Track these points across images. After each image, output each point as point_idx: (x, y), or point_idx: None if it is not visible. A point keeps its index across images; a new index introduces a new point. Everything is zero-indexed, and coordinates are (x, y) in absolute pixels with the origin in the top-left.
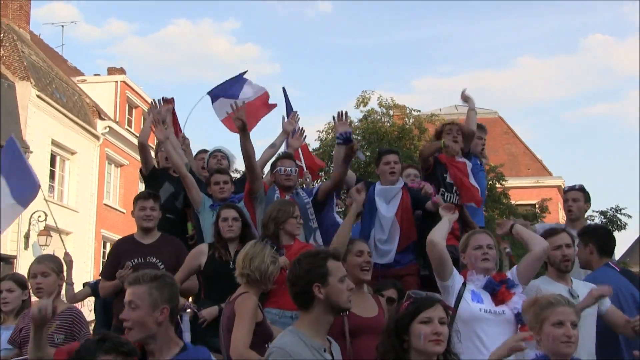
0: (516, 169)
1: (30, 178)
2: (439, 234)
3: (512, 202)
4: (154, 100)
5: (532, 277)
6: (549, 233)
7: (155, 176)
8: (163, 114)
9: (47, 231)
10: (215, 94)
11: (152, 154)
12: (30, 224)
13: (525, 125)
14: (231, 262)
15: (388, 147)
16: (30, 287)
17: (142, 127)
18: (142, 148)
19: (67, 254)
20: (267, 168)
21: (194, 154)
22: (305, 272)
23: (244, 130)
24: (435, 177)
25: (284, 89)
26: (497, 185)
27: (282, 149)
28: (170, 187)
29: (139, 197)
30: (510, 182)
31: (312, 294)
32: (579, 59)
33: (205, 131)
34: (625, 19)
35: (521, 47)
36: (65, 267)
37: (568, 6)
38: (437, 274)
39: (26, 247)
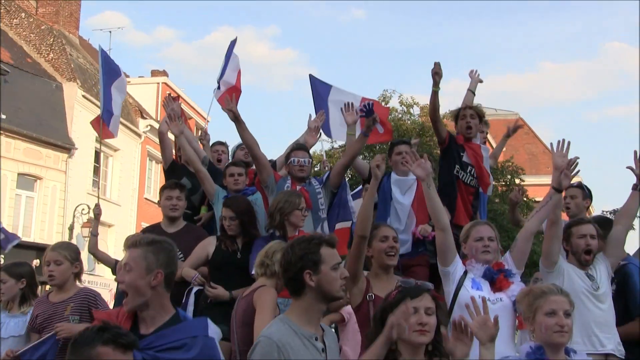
0: (536, 168)
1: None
2: (443, 218)
3: (532, 198)
4: (168, 95)
5: (526, 258)
6: (577, 222)
7: (174, 170)
8: (177, 110)
9: (90, 223)
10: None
11: (173, 148)
12: (74, 216)
13: (546, 125)
14: (238, 253)
15: None
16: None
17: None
18: (162, 138)
19: (97, 206)
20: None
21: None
22: (297, 258)
23: (237, 121)
24: (452, 156)
25: (310, 77)
26: (516, 180)
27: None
28: (188, 183)
29: (165, 187)
30: (531, 180)
31: (304, 281)
32: (597, 63)
33: (229, 125)
34: None
35: (542, 51)
36: (92, 221)
37: (587, 12)
38: (440, 259)
39: (70, 238)
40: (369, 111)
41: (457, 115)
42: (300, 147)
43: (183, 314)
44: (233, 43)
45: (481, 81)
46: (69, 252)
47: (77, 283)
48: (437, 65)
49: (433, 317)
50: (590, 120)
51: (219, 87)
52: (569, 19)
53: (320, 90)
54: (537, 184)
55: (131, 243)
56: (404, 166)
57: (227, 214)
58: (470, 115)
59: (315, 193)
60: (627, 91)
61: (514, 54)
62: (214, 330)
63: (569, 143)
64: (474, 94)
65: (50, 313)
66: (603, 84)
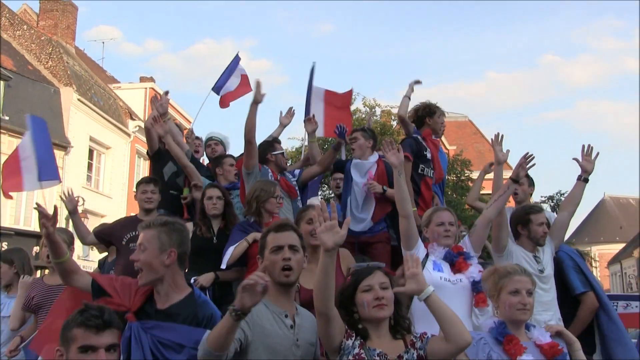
0: (483, 164)
1: (54, 168)
2: (407, 206)
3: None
4: (156, 94)
5: (483, 243)
6: (536, 210)
7: (159, 156)
8: (164, 106)
9: (84, 214)
10: (218, 87)
11: (157, 139)
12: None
13: (491, 127)
14: (214, 238)
15: None
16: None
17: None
18: (148, 132)
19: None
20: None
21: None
22: (261, 246)
23: (255, 104)
24: (417, 155)
25: (312, 70)
26: (466, 172)
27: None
28: (173, 167)
29: (141, 182)
30: (476, 175)
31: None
32: (534, 73)
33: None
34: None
35: (487, 62)
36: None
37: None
38: (404, 244)
39: (67, 226)
40: (341, 133)
41: (429, 113)
42: (279, 141)
43: (198, 293)
44: (237, 59)
45: (419, 82)
46: (65, 236)
47: None
48: (414, 84)
49: (389, 291)
50: (529, 123)
51: (217, 92)
52: (510, 34)
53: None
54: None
55: (145, 225)
56: (354, 152)
57: (214, 194)
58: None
59: (293, 184)
60: (560, 98)
61: (463, 64)
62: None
63: (502, 136)
64: (409, 100)
65: (46, 295)
66: (540, 91)
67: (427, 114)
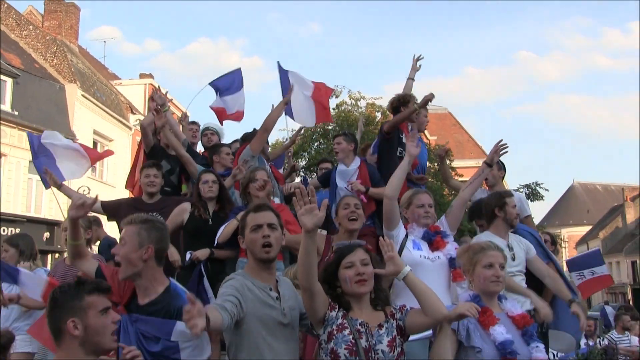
0: (462, 153)
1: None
2: (392, 189)
3: (458, 178)
4: (155, 89)
5: (458, 223)
6: (510, 194)
7: (154, 154)
8: (163, 99)
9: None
10: (216, 85)
11: (152, 135)
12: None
13: (470, 119)
14: (210, 220)
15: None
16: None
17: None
18: (144, 130)
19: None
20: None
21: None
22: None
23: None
24: (396, 141)
25: (278, 64)
26: (447, 161)
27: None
28: (167, 165)
29: (144, 167)
30: (458, 163)
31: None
32: (510, 69)
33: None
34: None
35: (466, 58)
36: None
37: (502, 26)
38: (386, 224)
39: None
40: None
41: (403, 103)
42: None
43: (174, 285)
44: (239, 73)
45: (418, 68)
46: (81, 221)
47: (89, 249)
48: (429, 96)
49: (369, 267)
50: (504, 115)
51: (215, 90)
52: (487, 32)
53: (283, 77)
54: (463, 166)
55: (127, 221)
56: (337, 155)
57: (209, 178)
58: (424, 114)
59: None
60: (533, 92)
61: (443, 60)
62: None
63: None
64: (414, 80)
65: (67, 273)
66: (514, 86)
67: (401, 104)
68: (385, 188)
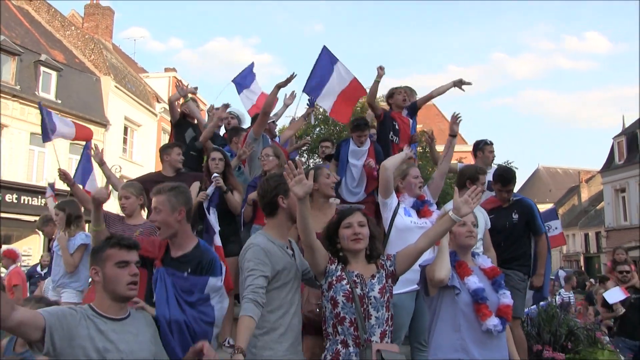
0: (444, 139)
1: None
2: (391, 162)
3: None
4: (178, 82)
5: (439, 192)
6: (484, 171)
7: (180, 124)
8: (184, 91)
9: (121, 179)
10: (237, 82)
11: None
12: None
13: (451, 110)
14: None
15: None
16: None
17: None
18: (171, 104)
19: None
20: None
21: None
22: (273, 188)
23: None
24: (388, 126)
25: (324, 47)
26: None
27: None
28: (192, 132)
29: (175, 145)
30: (440, 148)
31: (277, 204)
32: (487, 67)
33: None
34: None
35: (449, 57)
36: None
37: (480, 28)
38: (381, 192)
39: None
40: (312, 103)
41: (392, 93)
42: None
43: (203, 243)
44: (251, 66)
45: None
46: (134, 189)
47: (143, 212)
48: (381, 68)
49: (365, 228)
50: (482, 108)
51: (237, 87)
52: (467, 35)
53: (328, 60)
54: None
55: (156, 191)
56: (358, 139)
57: (217, 156)
58: (405, 92)
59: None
60: (506, 88)
61: (429, 59)
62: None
63: (459, 116)
64: (378, 83)
65: (124, 231)
66: (490, 82)
67: (388, 97)
68: (386, 161)
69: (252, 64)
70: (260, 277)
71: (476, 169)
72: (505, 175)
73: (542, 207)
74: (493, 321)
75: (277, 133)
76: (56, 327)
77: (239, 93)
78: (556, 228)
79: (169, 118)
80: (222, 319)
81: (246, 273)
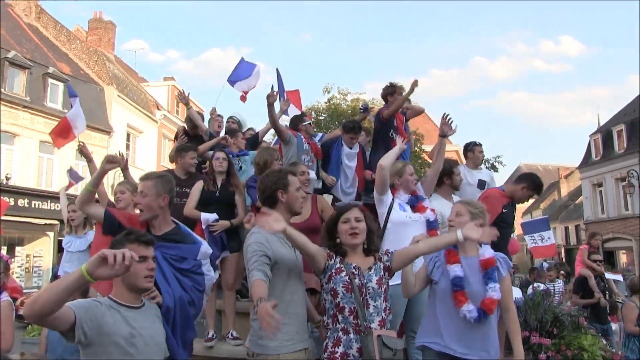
0: (429, 139)
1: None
2: (387, 161)
3: (426, 159)
4: (179, 91)
5: (432, 189)
6: (457, 164)
7: (196, 137)
8: (185, 99)
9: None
10: (232, 80)
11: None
12: (114, 177)
13: (435, 112)
14: (217, 192)
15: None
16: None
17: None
18: (189, 121)
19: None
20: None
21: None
22: (272, 182)
23: (271, 106)
24: (390, 125)
25: (277, 70)
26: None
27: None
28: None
29: (190, 149)
30: (426, 147)
31: (277, 198)
32: (467, 71)
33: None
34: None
35: (432, 62)
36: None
37: (462, 33)
38: (378, 189)
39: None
40: (365, 109)
41: (390, 93)
42: (306, 114)
43: (183, 227)
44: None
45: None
46: (130, 186)
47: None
48: (414, 83)
49: (362, 223)
50: (463, 109)
51: (232, 84)
52: (449, 41)
53: (280, 81)
54: (430, 150)
55: (144, 176)
56: (351, 142)
57: (220, 155)
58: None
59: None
60: (486, 90)
61: (413, 63)
62: (203, 253)
63: (449, 117)
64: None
65: None
66: (471, 85)
67: (388, 93)
68: (382, 160)
69: (242, 60)
70: (264, 256)
71: (449, 163)
72: (541, 187)
73: (526, 204)
74: (468, 307)
75: (313, 132)
76: (85, 319)
77: (232, 85)
78: (549, 238)
79: (167, 124)
80: (210, 287)
81: (250, 255)
